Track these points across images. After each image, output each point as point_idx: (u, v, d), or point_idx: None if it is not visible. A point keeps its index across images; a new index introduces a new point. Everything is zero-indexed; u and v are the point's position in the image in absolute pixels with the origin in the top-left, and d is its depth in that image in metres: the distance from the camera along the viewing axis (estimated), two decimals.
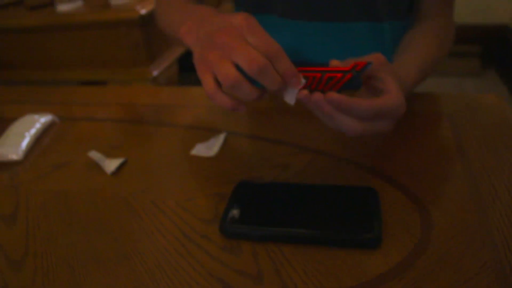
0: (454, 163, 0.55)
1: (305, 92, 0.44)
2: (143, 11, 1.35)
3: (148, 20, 1.39)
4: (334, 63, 0.47)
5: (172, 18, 0.67)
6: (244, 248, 0.44)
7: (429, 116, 0.66)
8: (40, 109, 0.77)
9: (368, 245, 0.43)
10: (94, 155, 0.61)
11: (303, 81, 0.45)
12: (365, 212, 0.46)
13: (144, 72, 1.41)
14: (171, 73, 1.50)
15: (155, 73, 1.42)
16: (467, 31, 2.47)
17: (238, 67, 0.44)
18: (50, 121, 0.74)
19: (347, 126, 0.46)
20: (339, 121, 0.45)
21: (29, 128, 0.70)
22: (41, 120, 0.72)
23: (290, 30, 0.75)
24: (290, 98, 0.46)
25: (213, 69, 0.45)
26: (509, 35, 2.46)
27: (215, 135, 0.64)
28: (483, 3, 2.45)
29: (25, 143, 0.67)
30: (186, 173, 0.57)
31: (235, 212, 0.47)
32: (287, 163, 0.57)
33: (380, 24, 0.74)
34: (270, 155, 0.59)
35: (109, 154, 0.62)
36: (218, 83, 0.46)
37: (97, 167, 0.60)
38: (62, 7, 1.43)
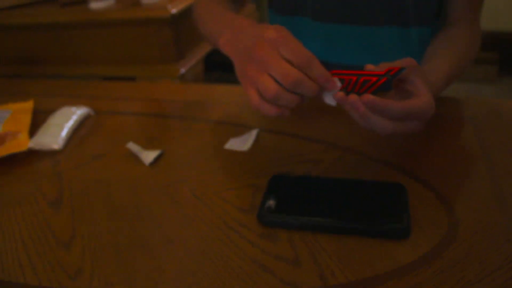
0: (478, 164, 0.57)
1: (341, 94, 0.48)
2: (173, 11, 1.38)
3: (179, 19, 1.42)
4: (369, 67, 0.50)
5: (211, 26, 0.71)
6: (281, 236, 0.47)
7: (454, 120, 0.68)
8: (73, 102, 0.80)
9: (398, 236, 0.46)
10: (132, 146, 0.64)
11: (338, 84, 0.49)
12: (395, 206, 0.49)
13: (172, 69, 1.44)
14: (198, 71, 1.53)
15: (182, 70, 1.45)
16: (485, 38, 2.47)
17: None
18: (86, 113, 0.77)
19: (380, 125, 0.49)
20: (372, 121, 0.49)
21: (67, 120, 0.73)
22: (77, 113, 0.76)
23: (321, 32, 0.78)
24: (329, 100, 0.50)
25: (254, 83, 0.49)
26: None
27: (248, 131, 0.67)
28: (502, 10, 2.45)
29: (64, 133, 0.70)
30: (222, 165, 0.60)
31: (271, 202, 0.50)
32: (318, 159, 0.60)
33: (407, 30, 0.76)
34: (301, 151, 0.62)
35: (145, 147, 0.65)
36: (261, 95, 0.50)
37: (135, 158, 0.63)
38: (95, 5, 1.47)
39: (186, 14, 1.42)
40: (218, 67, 2.10)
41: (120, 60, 1.51)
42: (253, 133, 0.66)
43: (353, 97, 0.47)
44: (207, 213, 0.51)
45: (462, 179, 0.55)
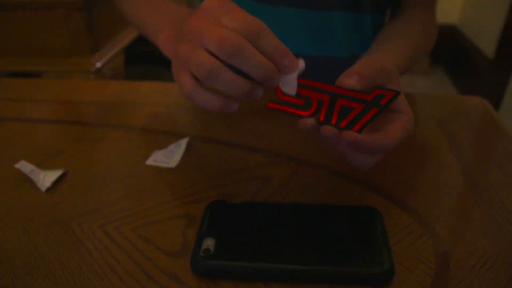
0: (456, 175, 0.48)
1: (310, 121, 0.36)
2: None
3: (93, 3, 1.24)
4: (346, 81, 0.37)
5: (144, 16, 0.56)
6: None
7: (420, 120, 0.59)
8: None
9: (379, 281, 0.35)
10: (24, 166, 0.49)
11: (302, 64, 0.36)
12: (370, 239, 0.38)
13: (85, 63, 1.26)
14: (117, 64, 1.35)
15: (98, 64, 1.27)
16: None
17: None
18: None
19: (362, 162, 0.39)
20: (352, 157, 0.38)
21: None
22: None
23: (265, 16, 0.66)
24: (288, 87, 0.37)
25: (186, 64, 0.36)
26: (457, 36, 2.50)
27: (176, 140, 0.53)
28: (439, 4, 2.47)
29: None
30: (142, 188, 0.46)
31: (209, 242, 0.37)
32: (268, 175, 0.48)
33: (361, 15, 0.66)
34: (246, 166, 0.49)
35: (44, 165, 0.50)
36: (198, 80, 0.36)
37: (28, 182, 0.48)
38: None
39: None
40: (143, 59, 1.88)
41: (22, 52, 1.30)
42: (182, 143, 0.52)
43: (328, 130, 0.35)
44: (123, 260, 0.38)
45: (441, 196, 0.45)
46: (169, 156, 0.50)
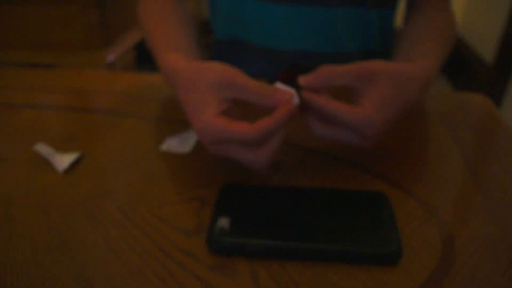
0: (459, 166, 0.49)
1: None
2: None
3: None
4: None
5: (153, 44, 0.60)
6: (240, 268, 0.36)
7: (423, 115, 0.60)
8: None
9: (388, 261, 0.36)
10: (42, 148, 0.50)
11: (295, 100, 0.42)
12: (379, 222, 0.39)
13: (97, 57, 1.28)
14: (128, 59, 1.36)
15: (110, 58, 1.28)
16: None
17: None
18: None
19: (310, 122, 0.44)
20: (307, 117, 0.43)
21: None
22: None
23: (267, 15, 0.67)
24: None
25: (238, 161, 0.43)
26: (457, 43, 2.51)
27: (188, 128, 0.55)
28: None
29: None
30: (157, 172, 0.48)
31: (224, 222, 0.38)
32: (276, 162, 0.49)
33: (368, 11, 0.67)
34: None
35: (61, 148, 0.51)
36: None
37: (45, 164, 0.49)
38: None
39: None
40: (151, 59, 1.90)
41: (37, 45, 1.31)
42: None
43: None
44: (141, 238, 0.39)
45: (446, 186, 0.47)
46: (182, 143, 0.52)
